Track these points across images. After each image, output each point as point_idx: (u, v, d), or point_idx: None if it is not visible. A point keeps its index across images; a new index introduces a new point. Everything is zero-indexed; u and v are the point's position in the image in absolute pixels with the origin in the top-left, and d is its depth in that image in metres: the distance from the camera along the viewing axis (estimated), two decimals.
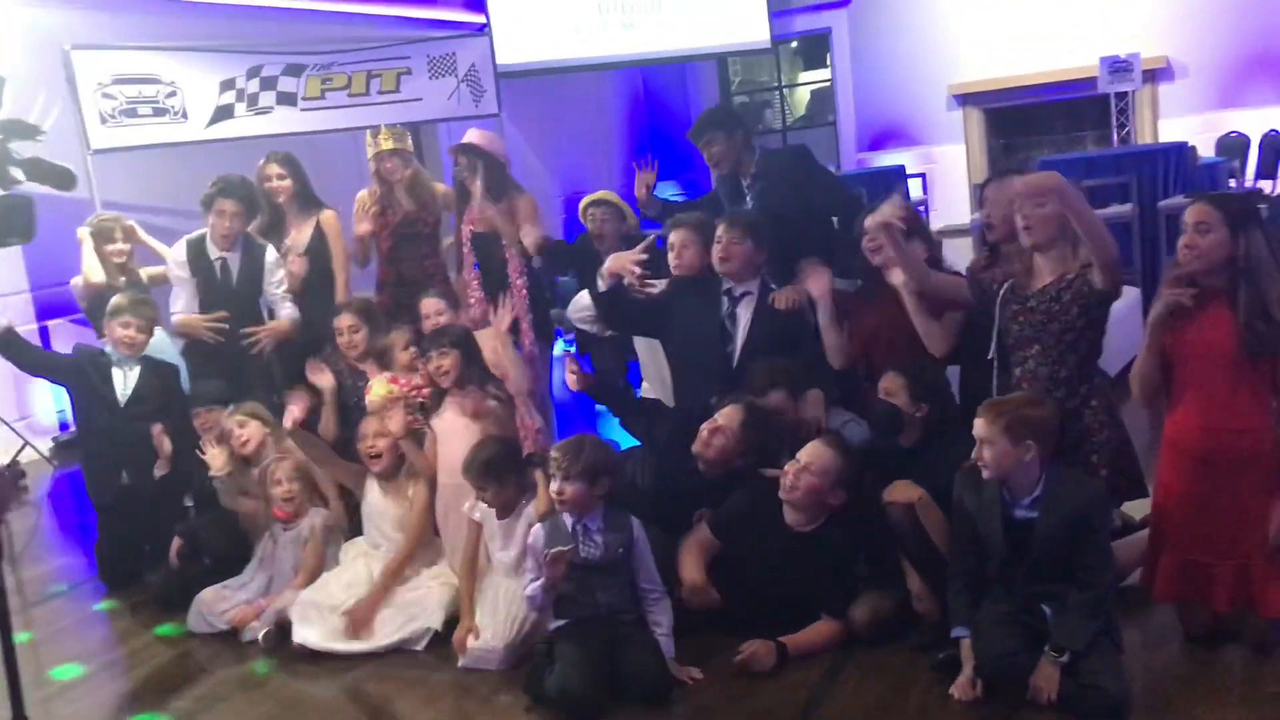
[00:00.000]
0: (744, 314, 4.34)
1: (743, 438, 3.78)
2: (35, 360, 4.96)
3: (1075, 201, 3.40)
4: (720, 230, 4.32)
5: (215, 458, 4.44)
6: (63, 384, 5.12)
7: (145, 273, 5.68)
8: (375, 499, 4.31)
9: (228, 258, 5.16)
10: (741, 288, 4.36)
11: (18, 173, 2.58)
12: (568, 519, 3.55)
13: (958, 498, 3.29)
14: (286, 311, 5.26)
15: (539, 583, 3.46)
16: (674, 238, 4.51)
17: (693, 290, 4.44)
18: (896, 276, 3.92)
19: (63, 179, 2.74)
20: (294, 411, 4.39)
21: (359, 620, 3.94)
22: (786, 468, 3.54)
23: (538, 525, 3.62)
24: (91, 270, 5.43)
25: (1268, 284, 3.09)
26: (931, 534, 3.48)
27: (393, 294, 5.42)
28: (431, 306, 4.79)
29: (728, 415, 3.82)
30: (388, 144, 5.35)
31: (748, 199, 4.93)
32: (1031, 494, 3.18)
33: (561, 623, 3.53)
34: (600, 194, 5.45)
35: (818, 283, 4.18)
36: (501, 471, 3.80)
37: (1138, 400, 3.39)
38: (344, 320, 4.80)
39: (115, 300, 4.88)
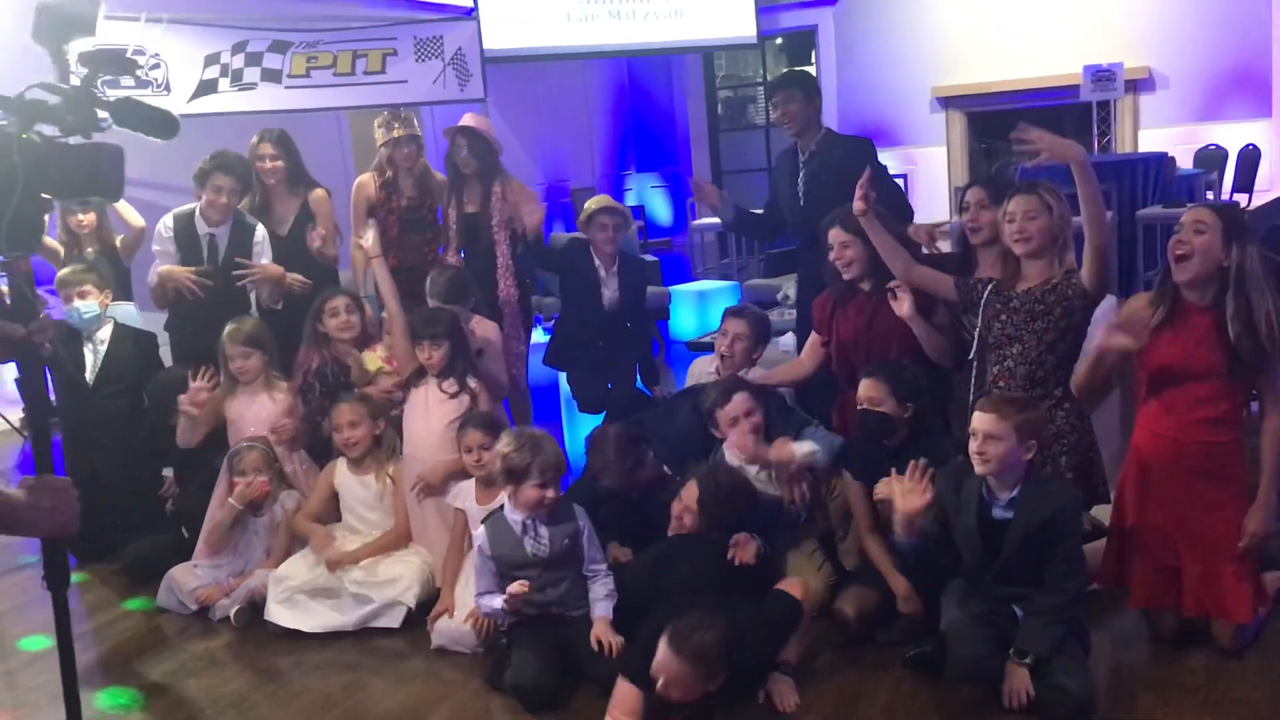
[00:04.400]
0: None
1: (704, 513, 3.61)
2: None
3: (1089, 173, 3.43)
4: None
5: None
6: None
7: (120, 241, 5.65)
8: (348, 481, 4.31)
9: (216, 234, 5.09)
10: None
11: (105, 116, 2.08)
12: (515, 516, 3.52)
13: (939, 493, 3.31)
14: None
15: (500, 603, 3.46)
16: (729, 325, 4.45)
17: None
18: (903, 309, 3.87)
19: (163, 125, 2.18)
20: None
21: (337, 563, 4.01)
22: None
23: (481, 528, 3.60)
24: None
25: (1257, 298, 3.12)
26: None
27: (401, 280, 5.38)
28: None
29: (688, 493, 3.68)
30: (403, 130, 5.31)
31: (801, 172, 4.89)
32: (1010, 494, 3.21)
33: (515, 619, 3.52)
34: (608, 200, 5.24)
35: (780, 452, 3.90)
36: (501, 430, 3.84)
37: (1079, 396, 3.44)
38: (339, 301, 4.70)
39: (60, 276, 4.83)
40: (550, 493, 3.46)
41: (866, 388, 3.69)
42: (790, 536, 3.86)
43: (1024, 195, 3.55)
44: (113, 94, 7.14)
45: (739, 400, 3.86)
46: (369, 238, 4.71)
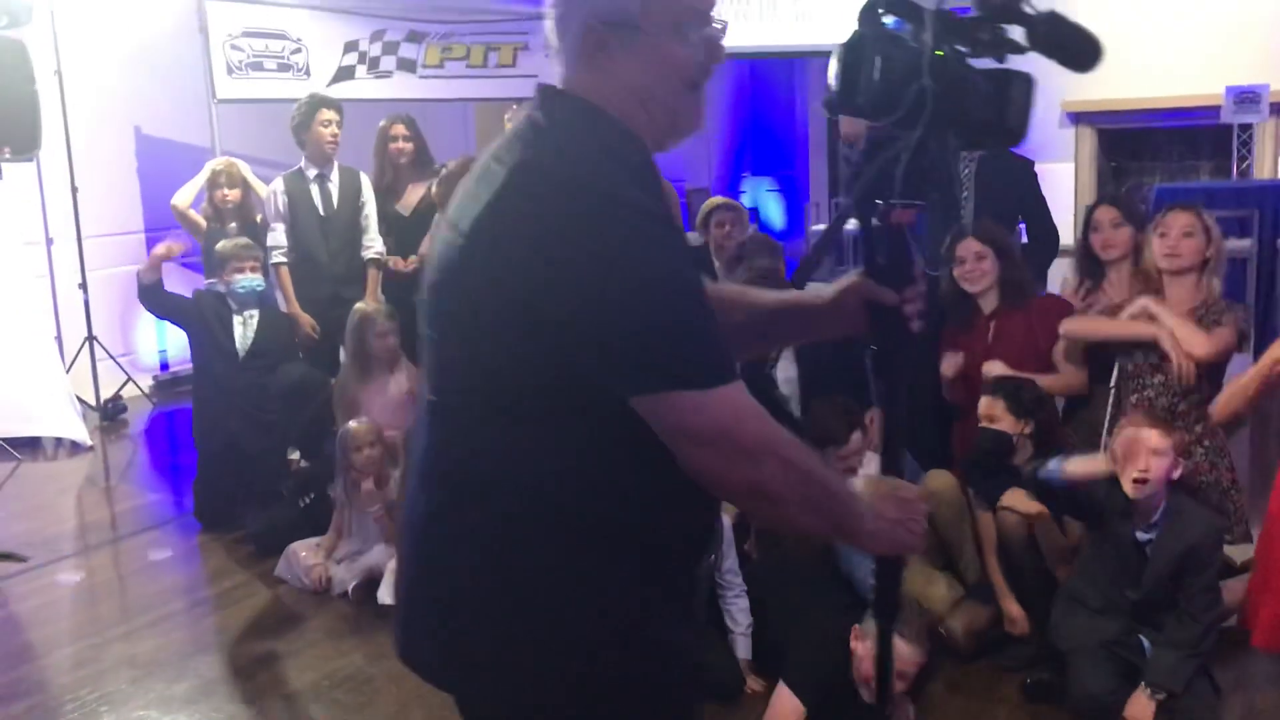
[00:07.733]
0: None
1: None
2: (163, 303, 5.07)
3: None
4: None
5: None
6: (184, 328, 5.20)
7: (260, 218, 5.83)
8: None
9: (325, 173, 5.32)
10: None
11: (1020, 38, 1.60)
12: None
13: (1091, 500, 3.20)
14: (379, 246, 5.41)
15: None
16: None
17: None
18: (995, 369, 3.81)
19: (1087, 53, 1.74)
20: None
21: None
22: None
23: None
24: (181, 196, 5.83)
25: None
26: (1046, 553, 3.41)
27: None
28: None
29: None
30: None
31: (968, 184, 4.58)
32: (1152, 518, 3.11)
33: None
34: (722, 199, 5.31)
35: None
36: None
37: (1217, 418, 3.29)
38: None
39: (220, 248, 5.03)
40: None
41: (984, 405, 3.63)
42: None
43: (1180, 212, 3.44)
44: (255, 76, 7.35)
45: None
46: None
